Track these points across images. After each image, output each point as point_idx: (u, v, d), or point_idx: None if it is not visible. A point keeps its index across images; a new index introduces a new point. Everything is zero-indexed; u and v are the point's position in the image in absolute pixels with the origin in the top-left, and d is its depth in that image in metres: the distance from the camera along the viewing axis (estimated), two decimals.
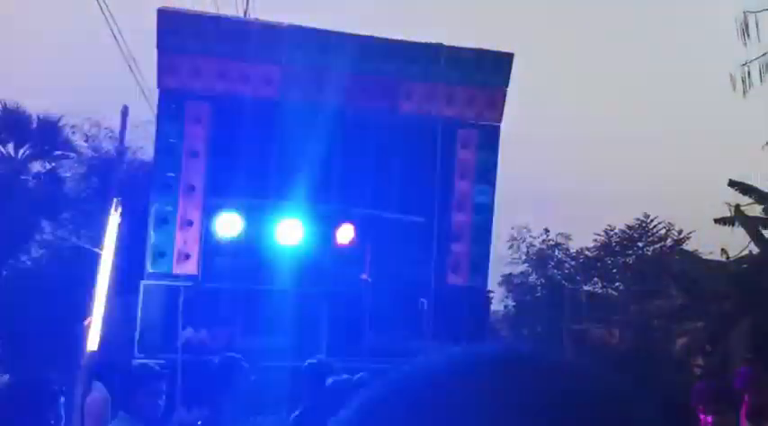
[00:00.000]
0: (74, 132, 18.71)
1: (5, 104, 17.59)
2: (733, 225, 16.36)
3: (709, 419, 3.57)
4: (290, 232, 7.60)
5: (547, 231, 23.04)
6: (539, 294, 22.64)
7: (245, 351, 6.82)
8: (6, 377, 3.15)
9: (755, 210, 16.27)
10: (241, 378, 3.89)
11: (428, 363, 0.45)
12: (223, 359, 3.22)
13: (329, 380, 3.97)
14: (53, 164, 18.53)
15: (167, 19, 7.59)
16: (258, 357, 6.67)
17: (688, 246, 21.01)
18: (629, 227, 22.18)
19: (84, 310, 8.06)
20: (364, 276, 7.82)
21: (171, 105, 7.70)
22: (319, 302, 7.68)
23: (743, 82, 12.74)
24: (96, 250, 7.55)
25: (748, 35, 12.40)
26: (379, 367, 5.62)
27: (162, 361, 5.13)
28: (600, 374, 0.46)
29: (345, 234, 7.82)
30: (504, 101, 8.82)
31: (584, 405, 0.42)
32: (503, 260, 22.02)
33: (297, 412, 4.56)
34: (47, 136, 18.17)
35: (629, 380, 0.46)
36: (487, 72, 8.70)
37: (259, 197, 7.79)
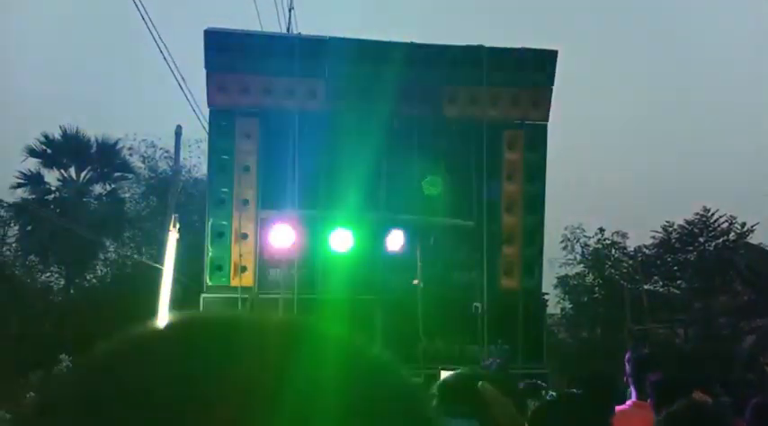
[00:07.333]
0: (131, 154, 19.46)
1: (66, 130, 18.42)
2: None
3: None
4: (341, 241, 7.70)
5: (602, 230, 22.50)
6: (596, 295, 22.12)
7: None
8: None
9: None
10: None
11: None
12: None
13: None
14: (113, 186, 19.29)
15: (214, 39, 7.85)
16: None
17: (752, 239, 20.19)
18: (689, 223, 21.42)
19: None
20: (416, 281, 7.84)
21: (221, 122, 7.95)
22: (372, 309, 7.74)
23: None
24: (159, 266, 7.84)
25: None
26: (433, 373, 5.64)
27: None
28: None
29: (395, 240, 7.87)
30: (550, 99, 8.71)
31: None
32: (557, 261, 21.63)
33: None
34: (106, 158, 18.93)
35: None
36: (531, 71, 8.61)
37: (310, 207, 7.93)
